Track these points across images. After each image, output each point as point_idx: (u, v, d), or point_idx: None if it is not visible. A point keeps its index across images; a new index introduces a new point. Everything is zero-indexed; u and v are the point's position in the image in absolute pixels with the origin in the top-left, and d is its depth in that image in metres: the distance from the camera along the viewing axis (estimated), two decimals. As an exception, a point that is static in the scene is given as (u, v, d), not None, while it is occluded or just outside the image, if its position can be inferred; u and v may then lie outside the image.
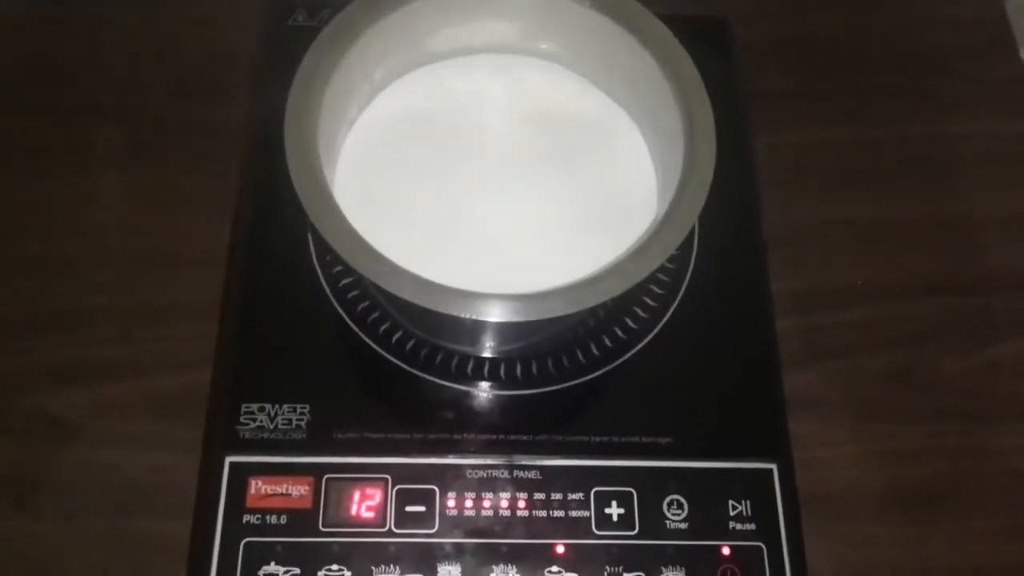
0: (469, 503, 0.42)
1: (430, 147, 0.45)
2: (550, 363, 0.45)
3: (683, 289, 0.47)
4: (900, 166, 0.55)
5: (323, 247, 0.46)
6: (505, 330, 0.42)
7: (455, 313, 0.37)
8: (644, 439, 0.44)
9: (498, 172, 0.44)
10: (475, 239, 0.43)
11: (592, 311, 0.39)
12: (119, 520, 0.44)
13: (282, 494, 0.41)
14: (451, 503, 0.42)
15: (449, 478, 0.42)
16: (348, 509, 0.41)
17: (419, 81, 0.46)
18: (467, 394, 0.44)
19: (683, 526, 0.42)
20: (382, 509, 0.41)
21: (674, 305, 0.47)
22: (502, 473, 0.42)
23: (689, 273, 0.47)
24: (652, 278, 0.47)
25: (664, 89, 0.41)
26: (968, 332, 0.51)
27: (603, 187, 0.45)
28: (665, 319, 0.46)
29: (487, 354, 0.45)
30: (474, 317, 0.37)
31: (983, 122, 0.56)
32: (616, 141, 0.46)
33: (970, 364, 0.50)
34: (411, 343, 0.45)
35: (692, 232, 0.48)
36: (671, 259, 0.47)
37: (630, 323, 0.46)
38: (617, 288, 0.37)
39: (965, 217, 0.54)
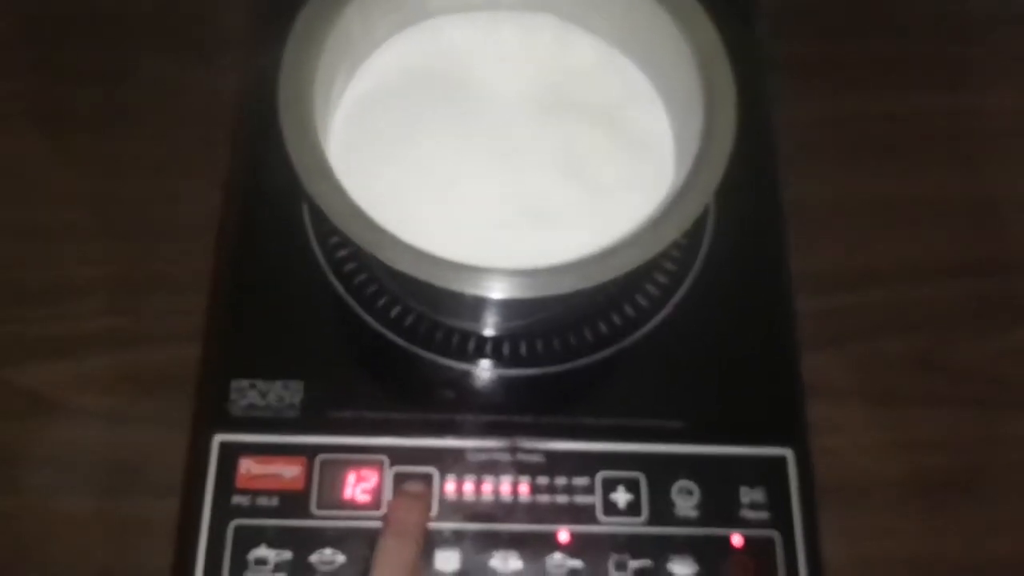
0: (469, 487, 0.40)
1: (432, 106, 0.42)
2: (556, 341, 0.43)
3: (697, 266, 0.45)
4: (925, 140, 0.53)
5: (319, 216, 0.44)
6: (510, 306, 0.40)
7: (458, 289, 0.35)
8: (653, 422, 0.42)
9: (504, 134, 0.42)
10: (478, 205, 0.40)
11: (602, 288, 0.36)
12: (104, 499, 0.43)
13: (273, 475, 0.40)
14: (450, 487, 0.40)
15: (449, 461, 0.40)
16: (342, 491, 0.39)
17: (422, 36, 0.43)
18: (468, 373, 0.42)
19: (693, 514, 0.40)
20: (378, 492, 0.40)
21: (687, 283, 0.45)
22: (504, 456, 0.41)
23: (704, 249, 0.45)
24: (665, 253, 0.45)
25: (683, 54, 0.39)
26: (991, 316, 0.49)
27: (617, 155, 0.42)
28: (677, 297, 0.44)
29: (490, 331, 0.43)
30: (479, 294, 0.35)
31: (1012, 96, 0.54)
32: (633, 106, 0.43)
33: (992, 349, 0.49)
34: (410, 318, 0.43)
35: (707, 207, 0.46)
36: (684, 234, 0.45)
37: (640, 301, 0.44)
38: (630, 263, 0.35)
39: (991, 195, 0.52)
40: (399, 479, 0.40)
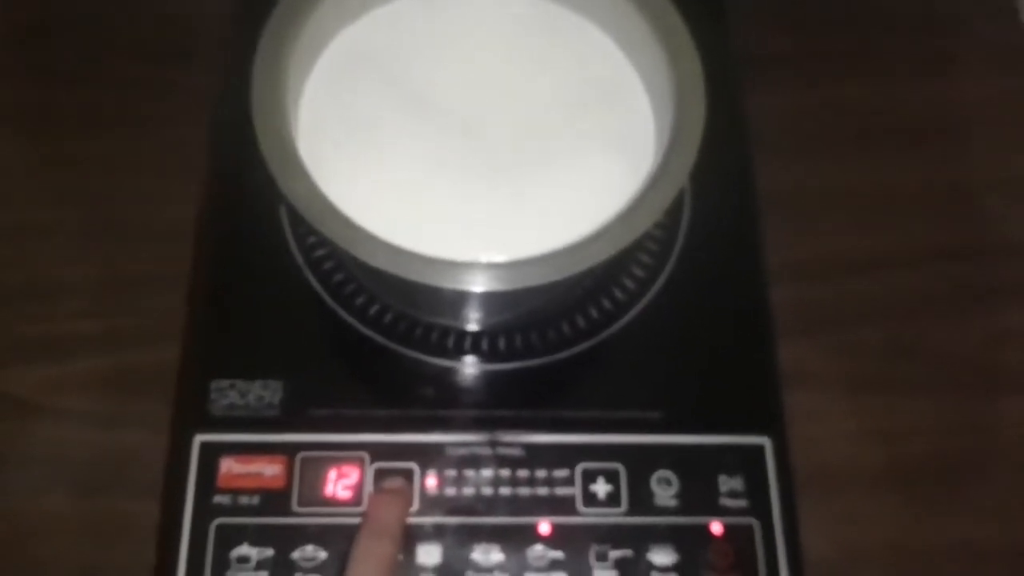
0: (450, 481, 0.40)
1: (403, 86, 0.41)
2: (534, 336, 0.43)
3: (673, 259, 0.45)
4: (900, 129, 0.53)
5: (296, 217, 0.45)
6: (487, 300, 0.40)
7: (436, 284, 0.35)
8: (632, 414, 0.42)
9: (483, 119, 0.41)
10: (450, 198, 0.39)
11: (578, 280, 0.37)
12: (87, 500, 0.43)
13: (254, 473, 0.40)
14: (431, 481, 0.40)
15: (429, 456, 0.41)
16: (323, 488, 0.40)
17: (397, 14, 0.42)
18: (447, 369, 0.43)
19: (672, 503, 0.40)
20: (359, 488, 0.40)
21: (663, 275, 0.45)
22: (484, 450, 0.41)
23: (679, 242, 0.45)
24: (641, 246, 0.45)
25: (653, 45, 0.39)
26: (968, 302, 0.49)
27: (598, 145, 0.41)
28: (654, 290, 0.45)
29: (468, 327, 0.43)
30: (457, 287, 0.35)
31: (983, 85, 0.55)
32: (616, 96, 0.42)
33: (970, 335, 0.49)
34: (388, 316, 0.43)
35: (682, 197, 0.46)
36: (660, 226, 0.45)
37: (617, 294, 0.44)
38: (605, 252, 0.35)
39: (966, 183, 0.52)
40: (380, 475, 0.40)
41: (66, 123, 0.50)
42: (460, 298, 0.39)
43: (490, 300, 0.40)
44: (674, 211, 0.46)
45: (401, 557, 0.37)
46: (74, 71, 0.51)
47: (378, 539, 0.36)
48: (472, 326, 0.43)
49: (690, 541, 0.40)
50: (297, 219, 0.44)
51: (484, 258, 0.37)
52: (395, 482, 0.39)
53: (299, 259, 0.44)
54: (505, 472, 0.40)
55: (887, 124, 0.53)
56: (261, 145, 0.36)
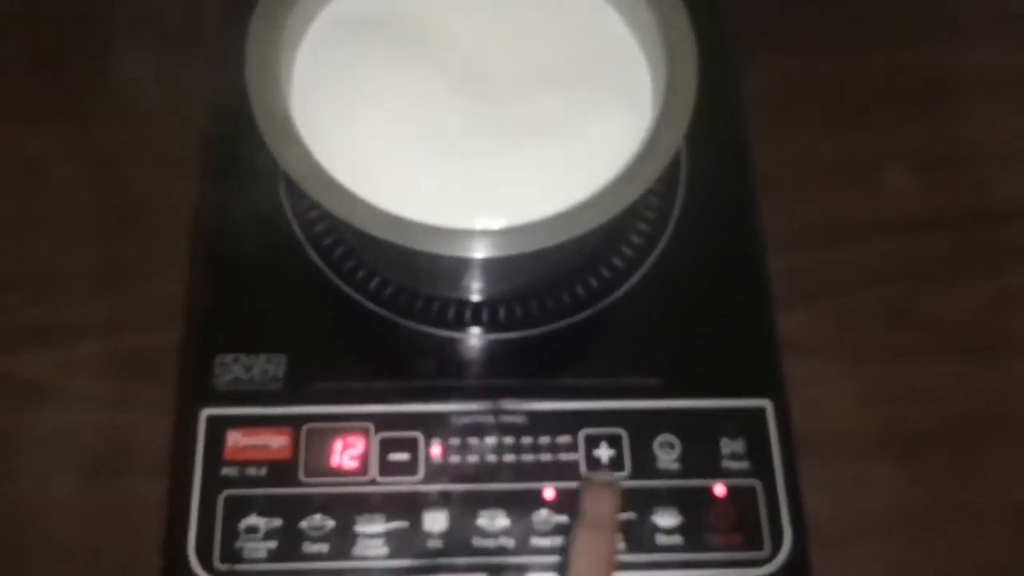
0: (454, 450, 0.41)
1: (399, 51, 0.40)
2: (534, 305, 0.44)
3: (670, 227, 0.46)
4: (898, 96, 0.53)
5: (295, 191, 0.45)
6: (486, 268, 0.40)
7: (432, 251, 0.35)
8: (633, 380, 0.42)
9: (481, 83, 0.40)
10: (452, 159, 0.39)
11: (576, 247, 0.37)
12: (94, 481, 0.43)
13: (261, 446, 0.40)
14: (436, 450, 0.40)
15: (433, 425, 0.41)
16: (329, 459, 0.40)
17: None
18: (449, 339, 0.43)
19: (675, 466, 0.41)
20: (364, 458, 0.40)
21: (661, 244, 0.45)
22: (488, 418, 0.41)
23: (676, 210, 0.46)
24: (637, 215, 0.45)
25: (645, 8, 0.39)
26: (966, 268, 0.50)
27: (599, 108, 0.40)
28: (652, 258, 0.45)
29: (469, 297, 0.43)
30: (452, 254, 0.35)
31: (984, 51, 0.55)
32: (616, 57, 0.41)
33: (968, 300, 0.49)
34: (389, 289, 0.43)
35: (678, 166, 0.46)
36: (656, 195, 0.46)
37: (616, 262, 0.45)
38: (599, 218, 0.36)
39: (965, 149, 0.52)
40: (385, 445, 0.40)
41: (65, 112, 0.50)
42: (459, 266, 0.40)
43: (489, 268, 0.40)
44: (670, 179, 0.46)
45: (620, 547, 0.38)
46: (69, 56, 0.51)
47: (597, 532, 0.36)
48: (473, 296, 0.43)
49: (693, 503, 0.40)
50: (296, 194, 0.45)
51: (483, 225, 0.37)
52: (604, 476, 0.40)
53: (299, 235, 0.44)
54: (509, 439, 0.41)
55: (885, 91, 0.53)
56: (256, 117, 0.36)
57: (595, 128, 0.39)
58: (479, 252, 0.35)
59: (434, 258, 0.36)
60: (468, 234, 0.35)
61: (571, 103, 0.40)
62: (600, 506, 0.37)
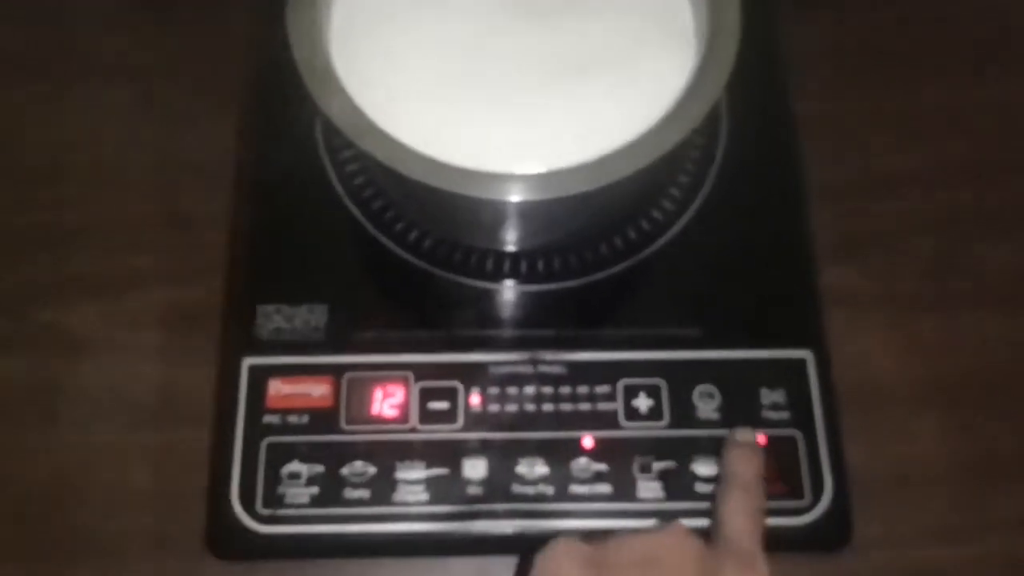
0: (493, 399, 0.41)
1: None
2: (573, 257, 0.43)
3: (711, 178, 0.45)
4: (943, 48, 0.52)
5: (333, 145, 0.45)
6: (524, 215, 0.40)
7: (469, 193, 0.35)
8: (672, 331, 0.42)
9: (521, 24, 0.40)
10: (494, 100, 0.39)
11: (616, 196, 0.37)
12: (138, 431, 0.44)
13: (302, 394, 0.41)
14: (475, 399, 0.41)
15: (472, 375, 0.41)
16: (370, 407, 0.40)
17: None
18: (488, 291, 0.43)
19: (715, 416, 0.40)
20: (405, 406, 0.40)
21: (701, 195, 0.45)
22: (526, 368, 0.41)
23: (718, 160, 0.45)
24: (678, 164, 0.45)
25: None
26: (1010, 220, 0.49)
27: (643, 50, 0.40)
28: (692, 209, 0.45)
29: (507, 248, 0.43)
30: (489, 197, 0.35)
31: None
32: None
33: (1012, 253, 0.48)
34: (428, 241, 0.44)
35: (719, 118, 0.46)
36: (697, 144, 0.45)
37: (655, 215, 0.44)
38: (640, 161, 0.35)
39: (1011, 100, 0.51)
40: (425, 394, 0.41)
41: (105, 67, 0.50)
42: (497, 213, 0.40)
43: (528, 215, 0.40)
44: (710, 130, 0.46)
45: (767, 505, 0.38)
46: (109, 11, 0.52)
47: (746, 492, 0.37)
48: (511, 247, 0.43)
49: (734, 452, 0.40)
50: (335, 147, 0.45)
51: (523, 170, 0.37)
52: (746, 434, 0.40)
53: (339, 188, 0.45)
54: (547, 389, 0.41)
55: (931, 43, 0.52)
56: (298, 63, 0.37)
57: (645, 65, 0.39)
58: (517, 195, 0.35)
59: (473, 204, 0.36)
60: (507, 177, 0.35)
61: (620, 35, 0.40)
62: (749, 466, 0.38)
